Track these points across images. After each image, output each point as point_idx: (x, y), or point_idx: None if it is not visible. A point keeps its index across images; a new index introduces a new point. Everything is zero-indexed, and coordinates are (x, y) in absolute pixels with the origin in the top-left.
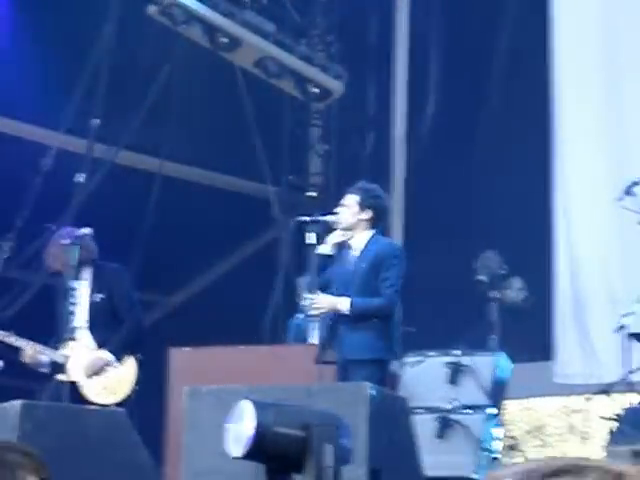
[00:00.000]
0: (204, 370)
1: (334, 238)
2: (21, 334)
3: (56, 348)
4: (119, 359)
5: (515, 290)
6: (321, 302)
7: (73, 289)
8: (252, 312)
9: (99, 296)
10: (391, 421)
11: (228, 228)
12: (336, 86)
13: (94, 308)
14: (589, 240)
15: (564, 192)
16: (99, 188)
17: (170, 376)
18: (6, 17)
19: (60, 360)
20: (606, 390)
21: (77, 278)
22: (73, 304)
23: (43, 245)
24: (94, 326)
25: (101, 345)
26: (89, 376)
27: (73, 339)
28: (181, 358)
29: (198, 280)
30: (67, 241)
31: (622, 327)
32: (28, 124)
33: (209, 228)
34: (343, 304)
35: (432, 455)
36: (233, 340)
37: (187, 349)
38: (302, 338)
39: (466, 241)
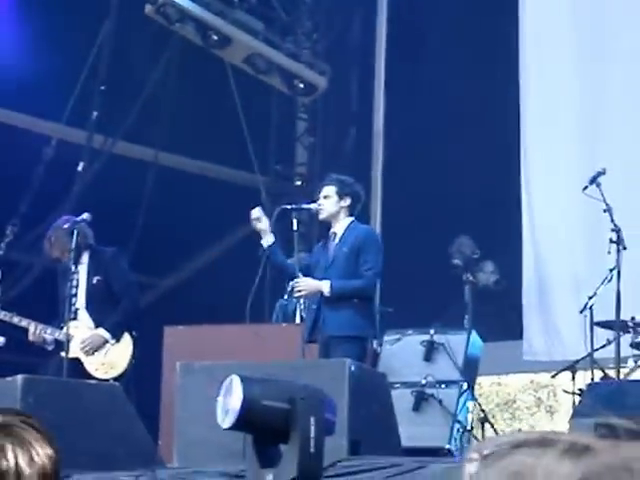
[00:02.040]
0: (196, 347)
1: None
2: (24, 313)
3: (59, 327)
4: (116, 336)
5: (487, 273)
6: (303, 285)
7: (73, 273)
8: (241, 294)
9: (96, 278)
10: (370, 395)
11: (219, 215)
12: (321, 82)
13: (92, 290)
14: (553, 225)
15: (528, 178)
16: (98, 177)
17: (164, 353)
18: (8, 13)
19: (63, 338)
20: (571, 367)
21: (76, 262)
22: (74, 287)
23: (44, 231)
24: (92, 306)
25: (99, 324)
26: (89, 353)
27: (75, 319)
28: (175, 336)
29: (190, 264)
30: (64, 227)
31: (587, 308)
32: (31, 116)
33: (201, 215)
34: (324, 287)
35: (408, 427)
36: (223, 320)
37: (180, 327)
38: (287, 318)
39: (441, 227)
